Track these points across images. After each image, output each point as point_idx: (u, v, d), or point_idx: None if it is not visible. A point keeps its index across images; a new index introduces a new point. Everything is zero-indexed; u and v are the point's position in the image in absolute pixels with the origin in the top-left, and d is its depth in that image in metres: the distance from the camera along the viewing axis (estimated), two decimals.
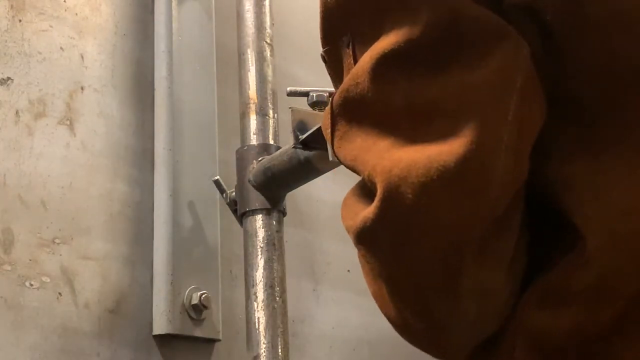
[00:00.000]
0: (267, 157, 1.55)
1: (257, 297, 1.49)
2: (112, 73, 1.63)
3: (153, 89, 1.68)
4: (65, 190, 1.49)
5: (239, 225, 1.57)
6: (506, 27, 0.59)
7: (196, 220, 1.63)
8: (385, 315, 0.66)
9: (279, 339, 1.47)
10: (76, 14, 1.61)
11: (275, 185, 1.54)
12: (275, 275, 1.51)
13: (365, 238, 0.62)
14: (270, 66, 1.65)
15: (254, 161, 1.56)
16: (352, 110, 0.64)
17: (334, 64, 0.69)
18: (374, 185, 0.60)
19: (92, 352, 1.45)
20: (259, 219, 1.53)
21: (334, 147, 0.66)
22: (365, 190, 0.63)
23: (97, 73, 1.60)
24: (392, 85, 0.61)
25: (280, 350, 1.46)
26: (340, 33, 0.66)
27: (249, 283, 1.51)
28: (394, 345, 1.65)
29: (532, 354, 0.61)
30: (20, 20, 1.52)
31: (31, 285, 1.40)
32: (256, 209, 1.53)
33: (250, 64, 1.63)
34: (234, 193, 1.57)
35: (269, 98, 1.62)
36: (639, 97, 0.60)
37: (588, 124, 0.61)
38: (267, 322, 1.47)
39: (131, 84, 1.66)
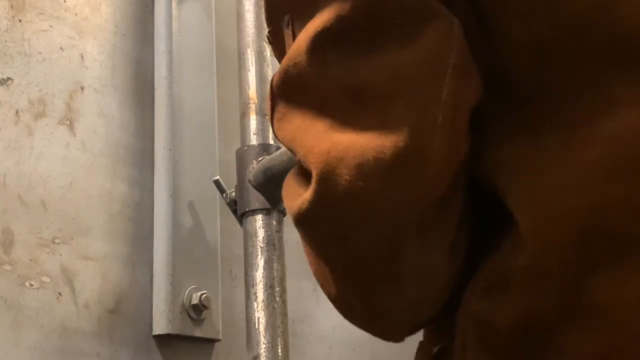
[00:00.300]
0: (267, 157, 1.55)
1: (257, 297, 1.49)
2: (112, 73, 1.63)
3: (153, 89, 1.68)
4: (65, 190, 1.49)
5: (239, 225, 1.57)
6: (437, 5, 0.59)
7: (196, 220, 1.63)
8: (327, 295, 0.65)
9: (279, 339, 1.47)
10: (76, 14, 1.61)
11: (275, 185, 1.53)
12: (275, 275, 1.51)
13: (303, 221, 0.61)
14: (270, 66, 1.64)
15: (254, 161, 1.56)
16: (291, 91, 0.63)
17: (278, 46, 0.68)
18: (309, 167, 0.59)
19: (92, 352, 1.45)
20: (259, 219, 1.53)
21: (274, 128, 0.64)
22: (304, 171, 0.62)
23: (97, 73, 1.60)
24: (328, 66, 0.60)
25: (280, 350, 1.46)
26: (281, 13, 0.65)
27: (249, 283, 1.51)
28: (394, 345, 1.65)
29: (480, 348, 0.59)
30: (20, 20, 1.52)
31: (31, 285, 1.40)
32: (256, 209, 1.53)
33: (250, 64, 1.63)
34: (234, 193, 1.57)
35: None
36: (568, 72, 0.58)
37: (522, 100, 0.60)
38: (267, 322, 1.47)
39: (131, 84, 1.66)
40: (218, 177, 1.60)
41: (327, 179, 0.57)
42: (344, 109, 0.59)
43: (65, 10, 1.60)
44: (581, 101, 0.57)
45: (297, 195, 0.61)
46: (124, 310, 1.51)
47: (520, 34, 0.60)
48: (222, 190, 1.59)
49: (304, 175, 0.61)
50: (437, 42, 0.58)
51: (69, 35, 1.58)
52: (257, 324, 1.47)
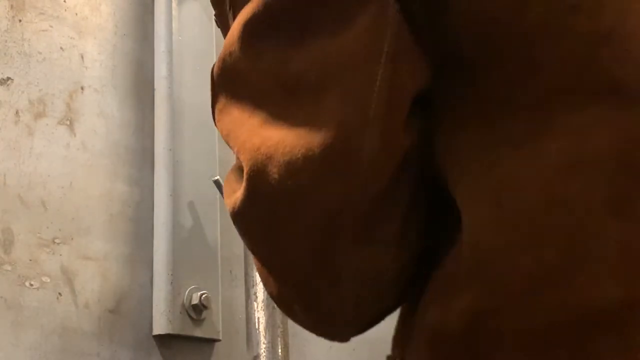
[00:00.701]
0: None
1: (257, 297, 1.49)
2: (112, 73, 1.63)
3: (153, 89, 1.68)
4: (65, 190, 1.49)
5: None
6: None
7: (196, 220, 1.63)
8: (269, 293, 0.62)
9: (279, 339, 1.47)
10: (76, 14, 1.61)
11: None
12: None
13: (236, 220, 0.58)
14: None
15: None
16: (228, 82, 0.60)
17: (224, 30, 0.65)
18: (242, 163, 0.56)
19: (92, 352, 1.45)
20: None
21: (215, 119, 0.62)
22: (240, 167, 0.59)
23: (97, 73, 1.60)
24: (261, 56, 0.57)
25: (280, 350, 1.46)
26: None
27: (249, 283, 1.51)
28: None
29: (432, 356, 0.54)
30: (20, 21, 1.52)
31: (31, 285, 1.40)
32: None
33: None
34: None
35: None
36: (518, 51, 0.54)
37: (476, 81, 0.55)
38: (267, 322, 1.47)
39: (131, 84, 1.66)
40: (218, 177, 1.60)
41: (256, 177, 0.55)
42: (277, 102, 0.56)
43: (65, 10, 1.60)
44: (539, 84, 0.54)
45: (232, 192, 0.59)
46: (124, 310, 1.51)
47: (468, 4, 0.55)
48: (222, 190, 1.59)
49: (240, 171, 0.58)
50: (368, 28, 0.54)
51: (69, 35, 1.58)
52: (257, 324, 1.47)
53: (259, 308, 1.48)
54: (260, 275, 0.62)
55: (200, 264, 1.61)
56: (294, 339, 1.58)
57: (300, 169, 0.53)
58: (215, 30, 1.79)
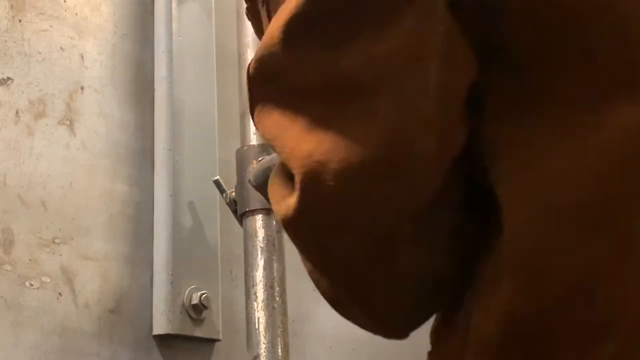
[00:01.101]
0: (267, 157, 1.54)
1: (257, 297, 1.49)
2: (112, 73, 1.63)
3: (153, 89, 1.68)
4: (65, 190, 1.49)
5: (239, 225, 1.57)
6: None
7: (196, 220, 1.63)
8: (323, 296, 0.62)
9: (279, 339, 1.47)
10: (76, 14, 1.61)
11: None
12: (275, 275, 1.51)
13: (289, 227, 0.57)
14: None
15: (254, 161, 1.56)
16: (267, 82, 0.58)
17: (256, 23, 0.63)
18: (292, 170, 0.55)
19: (92, 352, 1.45)
20: (259, 219, 1.53)
21: (254, 120, 0.60)
22: (288, 172, 0.57)
23: (97, 73, 1.60)
24: (304, 56, 0.55)
25: (280, 350, 1.46)
26: None
27: (249, 283, 1.51)
28: (394, 345, 1.64)
29: (477, 352, 0.54)
30: (20, 20, 1.52)
31: (31, 285, 1.40)
32: (256, 209, 1.53)
33: None
34: (234, 193, 1.57)
35: None
36: (572, 39, 0.53)
37: (522, 71, 0.54)
38: (267, 322, 1.47)
39: (131, 84, 1.66)
40: (218, 177, 1.60)
41: (310, 185, 0.54)
42: (324, 105, 0.54)
43: (65, 10, 1.60)
44: (593, 74, 0.52)
45: (281, 199, 0.57)
46: (124, 310, 1.51)
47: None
48: (222, 190, 1.59)
49: (288, 176, 0.57)
50: (416, 27, 0.52)
51: (69, 35, 1.58)
52: (257, 324, 1.47)
53: (259, 308, 1.48)
54: (312, 278, 0.62)
55: (200, 264, 1.61)
56: (294, 339, 1.58)
57: (356, 176, 0.52)
58: (215, 30, 1.79)
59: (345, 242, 0.56)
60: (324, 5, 0.54)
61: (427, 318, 0.62)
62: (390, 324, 0.62)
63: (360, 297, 0.59)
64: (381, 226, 0.54)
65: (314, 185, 0.54)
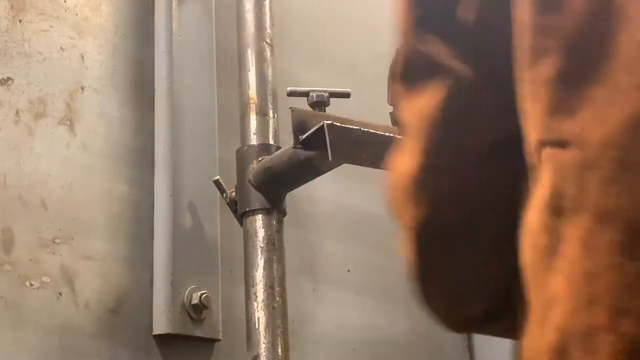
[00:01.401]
0: (267, 157, 1.55)
1: (257, 297, 1.49)
2: (112, 73, 1.63)
3: (153, 89, 1.68)
4: (65, 190, 1.49)
5: (239, 225, 1.57)
6: (436, 66, 0.67)
7: (196, 220, 1.63)
8: (409, 271, 0.69)
9: (279, 339, 1.47)
10: (76, 14, 1.61)
11: (275, 185, 1.54)
12: (275, 275, 1.51)
13: None
14: (270, 66, 1.65)
15: (254, 161, 1.56)
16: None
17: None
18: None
19: (92, 352, 1.45)
20: (259, 219, 1.53)
21: None
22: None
23: (97, 73, 1.60)
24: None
25: (280, 350, 1.46)
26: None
27: (249, 283, 1.51)
28: (394, 345, 1.65)
29: None
30: (20, 21, 1.52)
31: (31, 285, 1.40)
32: (256, 209, 1.54)
33: (250, 64, 1.63)
34: (234, 193, 1.57)
35: (269, 98, 1.63)
36: None
37: None
38: (267, 322, 1.47)
39: (131, 84, 1.66)
40: (218, 177, 1.60)
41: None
42: None
43: (66, 10, 1.60)
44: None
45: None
46: (124, 310, 1.51)
47: None
48: (222, 190, 1.59)
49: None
50: (432, 95, 0.67)
51: (69, 35, 1.58)
52: (257, 324, 1.47)
53: (259, 308, 1.48)
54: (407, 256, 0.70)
55: (200, 264, 1.61)
56: (294, 339, 1.58)
57: None
58: (215, 30, 1.79)
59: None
60: (404, 65, 0.72)
61: (476, 319, 0.69)
62: (455, 311, 0.69)
63: (442, 266, 0.67)
64: None
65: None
